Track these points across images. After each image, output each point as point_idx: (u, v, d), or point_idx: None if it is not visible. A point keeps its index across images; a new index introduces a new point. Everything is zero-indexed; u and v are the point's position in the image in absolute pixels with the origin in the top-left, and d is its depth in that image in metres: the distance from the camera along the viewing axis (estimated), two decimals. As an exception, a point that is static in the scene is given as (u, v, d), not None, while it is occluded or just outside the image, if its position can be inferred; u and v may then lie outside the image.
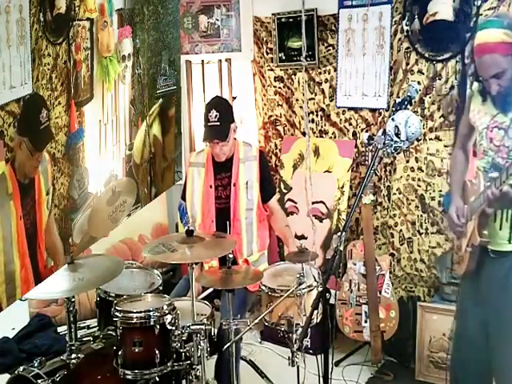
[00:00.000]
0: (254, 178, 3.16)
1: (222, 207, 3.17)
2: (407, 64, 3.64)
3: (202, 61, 4.48)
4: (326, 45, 4.05)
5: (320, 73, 4.11)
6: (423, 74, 3.58)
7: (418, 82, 3.56)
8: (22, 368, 2.49)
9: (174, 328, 2.50)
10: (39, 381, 2.41)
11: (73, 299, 2.60)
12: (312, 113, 4.16)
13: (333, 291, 3.34)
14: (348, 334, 3.67)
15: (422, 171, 3.65)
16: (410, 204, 3.73)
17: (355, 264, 3.66)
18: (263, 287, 2.85)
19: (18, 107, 2.29)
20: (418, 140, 3.56)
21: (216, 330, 2.72)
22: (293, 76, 4.27)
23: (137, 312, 2.48)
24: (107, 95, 3.09)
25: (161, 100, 3.80)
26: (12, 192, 2.29)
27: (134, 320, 2.46)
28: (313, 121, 4.16)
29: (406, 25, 3.60)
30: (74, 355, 2.56)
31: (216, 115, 3.04)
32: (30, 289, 2.45)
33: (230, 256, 2.67)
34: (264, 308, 2.86)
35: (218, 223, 3.14)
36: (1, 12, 2.14)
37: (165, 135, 3.92)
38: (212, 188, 3.18)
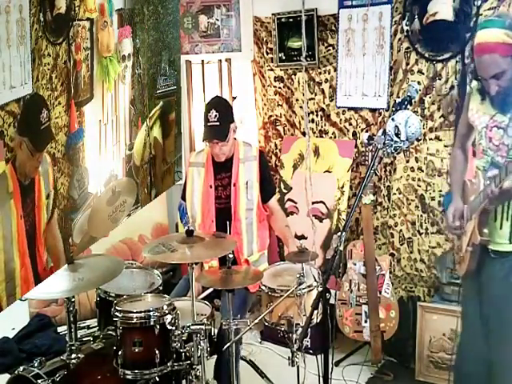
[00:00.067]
0: (254, 178, 3.16)
1: (222, 207, 3.17)
2: (407, 64, 3.64)
3: (202, 61, 4.48)
4: (325, 45, 4.05)
5: (320, 73, 4.11)
6: (423, 73, 3.58)
7: (418, 82, 3.56)
8: (22, 368, 2.50)
9: (173, 328, 2.50)
10: (39, 381, 2.42)
11: (73, 299, 2.61)
12: (312, 113, 4.16)
13: (333, 291, 3.34)
14: (348, 334, 3.67)
15: (422, 171, 3.65)
16: (409, 204, 3.72)
17: (355, 264, 3.66)
18: (263, 287, 2.86)
19: (18, 107, 2.28)
20: (418, 140, 3.56)
21: (216, 330, 2.73)
22: (293, 76, 4.27)
23: (137, 312, 2.48)
24: (107, 95, 3.09)
25: (161, 103, 3.80)
26: (12, 191, 2.29)
27: (134, 320, 2.47)
28: (313, 121, 4.16)
29: (406, 25, 3.60)
30: (73, 355, 2.56)
31: (216, 115, 3.04)
32: (30, 289, 2.45)
33: (230, 256, 2.67)
34: (264, 308, 2.86)
35: (217, 223, 3.14)
36: (1, 12, 2.14)
37: (165, 138, 3.92)
38: (212, 188, 3.18)
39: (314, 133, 4.16)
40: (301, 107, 4.24)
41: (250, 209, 3.15)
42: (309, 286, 2.75)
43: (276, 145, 4.45)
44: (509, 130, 2.25)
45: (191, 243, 2.60)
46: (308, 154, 3.81)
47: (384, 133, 2.42)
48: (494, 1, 3.24)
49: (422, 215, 3.68)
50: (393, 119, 2.44)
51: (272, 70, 4.37)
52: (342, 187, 3.96)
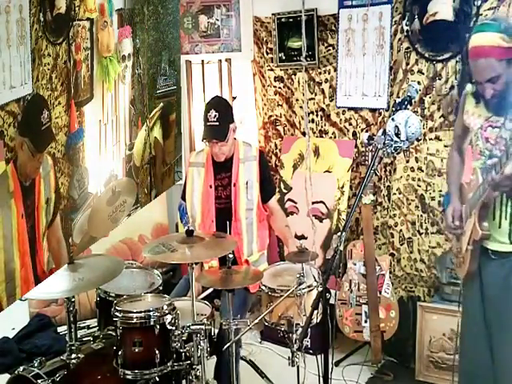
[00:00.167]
0: (253, 178, 3.16)
1: (222, 207, 3.17)
2: (407, 64, 3.64)
3: (202, 61, 4.48)
4: (326, 45, 4.05)
5: (320, 73, 4.11)
6: (423, 73, 3.58)
7: (418, 82, 3.56)
8: (22, 368, 2.49)
9: (174, 328, 2.50)
10: (39, 381, 2.41)
11: (73, 299, 2.61)
12: (312, 113, 4.16)
13: (333, 291, 3.33)
14: (348, 334, 3.67)
15: (422, 171, 3.65)
16: (410, 204, 3.72)
17: (355, 264, 3.66)
18: (263, 287, 2.86)
19: (18, 107, 2.28)
20: (418, 140, 3.56)
21: (216, 330, 2.73)
22: (293, 76, 4.27)
23: (137, 312, 2.48)
24: (107, 95, 3.09)
25: (162, 104, 3.80)
26: (13, 190, 2.29)
27: (134, 320, 2.46)
28: (313, 121, 4.16)
29: (406, 25, 3.60)
30: (74, 355, 2.57)
31: (215, 115, 3.04)
32: (30, 289, 2.45)
33: (230, 256, 2.67)
34: (264, 308, 2.86)
35: (217, 223, 3.14)
36: (1, 12, 2.14)
37: (165, 138, 3.92)
38: (212, 188, 3.17)
39: (314, 133, 4.16)
40: (301, 107, 4.24)
41: (250, 209, 3.14)
42: (309, 286, 2.75)
43: (276, 145, 4.45)
44: (506, 123, 2.23)
45: (191, 243, 2.60)
46: (308, 154, 3.81)
47: (384, 133, 2.42)
48: (494, 1, 3.25)
49: (421, 215, 3.68)
50: (393, 119, 2.44)
51: (272, 69, 4.37)
52: (342, 187, 3.96)
